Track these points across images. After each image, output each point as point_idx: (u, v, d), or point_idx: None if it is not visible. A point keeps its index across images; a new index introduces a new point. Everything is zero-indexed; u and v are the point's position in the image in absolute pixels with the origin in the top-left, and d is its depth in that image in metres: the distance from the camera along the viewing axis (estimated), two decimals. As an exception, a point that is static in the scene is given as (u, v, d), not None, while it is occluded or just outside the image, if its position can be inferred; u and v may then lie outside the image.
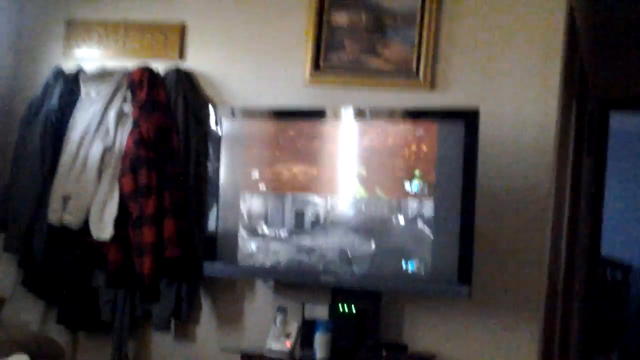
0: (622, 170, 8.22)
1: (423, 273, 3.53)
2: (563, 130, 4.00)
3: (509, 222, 3.75)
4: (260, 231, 3.81)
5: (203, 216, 3.96)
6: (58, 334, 4.14)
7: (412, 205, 3.57)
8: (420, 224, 3.55)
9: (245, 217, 3.84)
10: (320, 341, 3.54)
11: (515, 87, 3.78)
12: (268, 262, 3.78)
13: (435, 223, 3.53)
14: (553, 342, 4.42)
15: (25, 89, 4.43)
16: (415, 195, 3.57)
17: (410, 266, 3.57)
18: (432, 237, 3.53)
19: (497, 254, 3.74)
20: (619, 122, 6.37)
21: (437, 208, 3.52)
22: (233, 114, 3.92)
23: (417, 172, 3.57)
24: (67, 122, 4.16)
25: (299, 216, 3.76)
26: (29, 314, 4.21)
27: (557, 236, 4.15)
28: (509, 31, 3.82)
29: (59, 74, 4.27)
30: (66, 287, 4.12)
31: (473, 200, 3.46)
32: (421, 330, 3.81)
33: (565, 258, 4.68)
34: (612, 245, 7.79)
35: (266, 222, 3.81)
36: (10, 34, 4.48)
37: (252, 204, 3.84)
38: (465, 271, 3.45)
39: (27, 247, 4.13)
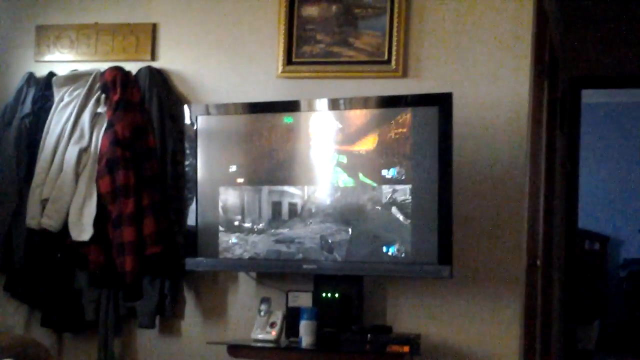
0: (596, 142, 8.31)
1: (403, 256, 3.56)
2: (536, 110, 4.04)
3: (487, 201, 3.79)
4: (238, 224, 3.83)
5: (182, 212, 3.96)
6: (43, 337, 4.13)
7: (390, 190, 3.59)
8: (398, 208, 3.58)
9: (223, 211, 3.86)
10: (305, 328, 3.55)
11: (487, 70, 3.81)
12: (247, 255, 3.80)
13: (413, 206, 3.55)
14: (535, 316, 4.48)
15: (-4, 97, 4.41)
16: (392, 181, 3.59)
17: (390, 250, 3.59)
18: (410, 220, 3.55)
19: (476, 233, 3.78)
20: (591, 95, 6.43)
21: (414, 192, 3.55)
22: (208, 110, 3.92)
23: (393, 159, 3.59)
24: (41, 126, 4.13)
25: (276, 207, 3.78)
26: (12, 318, 4.20)
27: (534, 212, 4.19)
28: (479, 15, 3.84)
29: (30, 79, 4.25)
30: (49, 289, 4.11)
31: (450, 182, 3.49)
32: (405, 312, 3.84)
33: (543, 233, 4.73)
34: (589, 217, 7.88)
35: (243, 215, 3.83)
36: (-20, 41, 4.45)
37: (229, 198, 3.85)
38: (445, 252, 3.48)
39: (7, 252, 4.12)
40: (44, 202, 4.00)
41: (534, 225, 4.22)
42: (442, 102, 3.49)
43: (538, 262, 4.37)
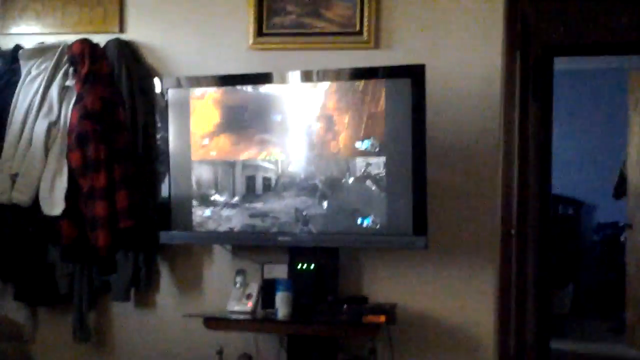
0: (568, 109, 8.34)
1: (378, 227, 3.57)
2: (508, 79, 4.02)
3: (461, 171, 3.80)
4: (211, 199, 3.81)
5: (155, 186, 3.93)
6: (17, 311, 4.13)
7: (364, 162, 3.59)
8: (372, 180, 3.57)
9: (196, 185, 3.84)
10: (281, 300, 3.56)
11: (459, 40, 3.80)
12: (222, 229, 3.79)
13: (387, 178, 3.55)
14: (510, 283, 4.50)
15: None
16: (366, 153, 3.58)
17: (365, 221, 3.59)
18: (385, 192, 3.56)
19: (451, 204, 3.79)
20: (563, 62, 6.44)
21: (388, 164, 3.55)
22: (179, 83, 3.88)
23: (366, 131, 3.58)
24: (9, 100, 4.08)
25: (250, 181, 3.76)
26: (-15, 294, 4.18)
27: (508, 181, 4.19)
28: (450, -16, 3.83)
29: (-4, 52, 4.20)
30: (21, 263, 4.08)
31: (423, 153, 3.49)
32: (380, 283, 3.86)
33: (517, 201, 4.74)
34: (563, 182, 7.93)
35: (217, 189, 3.81)
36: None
37: (202, 172, 3.83)
38: (420, 223, 3.50)
39: (-23, 227, 4.08)
40: (13, 177, 3.97)
41: (508, 193, 4.23)
42: (414, 74, 3.48)
43: (512, 231, 4.39)
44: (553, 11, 5.68)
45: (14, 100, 4.07)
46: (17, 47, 4.19)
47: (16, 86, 4.09)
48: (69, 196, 3.91)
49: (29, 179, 3.95)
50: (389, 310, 3.54)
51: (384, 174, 3.55)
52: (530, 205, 5.30)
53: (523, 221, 4.87)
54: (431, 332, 3.80)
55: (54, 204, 3.91)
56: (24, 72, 4.11)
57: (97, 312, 4.19)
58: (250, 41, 4.01)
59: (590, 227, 8.90)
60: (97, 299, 4.17)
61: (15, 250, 4.06)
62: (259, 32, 4.00)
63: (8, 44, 4.24)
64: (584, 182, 8.74)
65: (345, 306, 3.53)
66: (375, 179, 3.57)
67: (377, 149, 3.56)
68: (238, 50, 4.03)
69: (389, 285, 3.85)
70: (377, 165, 3.57)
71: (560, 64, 6.14)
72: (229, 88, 3.80)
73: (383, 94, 3.55)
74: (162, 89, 3.88)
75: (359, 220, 3.60)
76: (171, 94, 3.86)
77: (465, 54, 3.78)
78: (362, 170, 3.59)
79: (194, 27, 4.11)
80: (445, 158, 3.76)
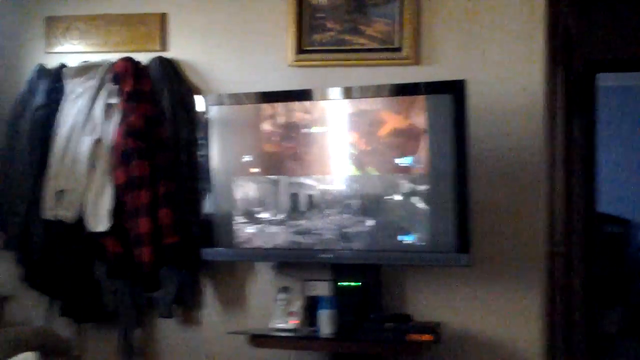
0: (613, 125, 8.24)
1: (421, 244, 3.55)
2: (551, 94, 3.99)
3: (505, 188, 3.77)
4: (255, 215, 3.82)
5: (198, 203, 3.96)
6: (64, 327, 4.16)
7: (406, 179, 3.57)
8: (415, 197, 3.56)
9: (239, 202, 3.85)
10: (324, 317, 3.56)
11: (501, 55, 3.78)
12: (265, 246, 3.80)
13: (430, 195, 3.53)
14: (556, 303, 4.45)
15: (8, 89, 4.38)
16: (408, 170, 3.57)
17: (408, 238, 3.57)
18: (427, 209, 3.53)
19: (494, 221, 3.75)
20: (608, 79, 6.37)
21: (431, 180, 3.53)
22: (221, 100, 3.91)
23: (408, 147, 3.57)
24: (54, 118, 4.14)
25: (294, 198, 3.77)
26: (33, 309, 4.22)
27: (552, 198, 4.16)
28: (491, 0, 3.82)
29: (42, 71, 4.26)
30: (67, 280, 4.12)
31: (466, 169, 3.46)
32: (423, 301, 3.83)
33: (562, 219, 4.69)
34: (609, 201, 7.81)
35: (260, 206, 3.82)
36: (-11, 34, 4.46)
37: (245, 188, 3.85)
38: (463, 240, 3.47)
39: (25, 244, 4.13)
40: (59, 194, 4.02)
41: (553, 211, 4.19)
42: (455, 90, 3.46)
43: (558, 249, 4.34)
44: (596, 26, 5.63)
45: (58, 117, 4.13)
46: (62, 66, 4.26)
47: (61, 104, 4.15)
48: (114, 213, 3.96)
49: (74, 195, 4.00)
50: (434, 329, 3.52)
51: (427, 191, 3.53)
52: (576, 223, 5.23)
53: (568, 239, 4.81)
54: (475, 351, 3.76)
55: (99, 221, 3.96)
56: (68, 90, 4.17)
57: (142, 328, 4.21)
58: (290, 58, 4.03)
59: (638, 246, 8.75)
60: (143, 316, 4.20)
61: (62, 266, 4.11)
62: (299, 49, 4.02)
63: (53, 62, 4.30)
64: (632, 201, 8.60)
65: (389, 324, 3.51)
66: (418, 196, 3.55)
67: (419, 166, 3.55)
68: (278, 68, 4.05)
69: (433, 303, 3.82)
70: (420, 182, 3.55)
71: (607, 80, 6.07)
72: (270, 105, 3.82)
73: (424, 110, 3.54)
74: (204, 106, 3.92)
75: (402, 238, 3.58)
76: (213, 111, 3.90)
77: (506, 69, 3.76)
78: (405, 188, 3.57)
79: (235, 45, 4.14)
80: (489, 174, 3.74)
